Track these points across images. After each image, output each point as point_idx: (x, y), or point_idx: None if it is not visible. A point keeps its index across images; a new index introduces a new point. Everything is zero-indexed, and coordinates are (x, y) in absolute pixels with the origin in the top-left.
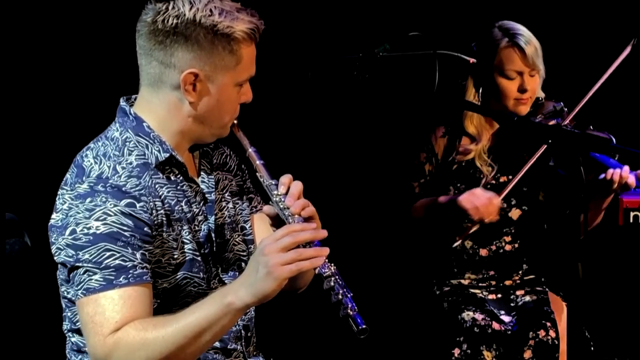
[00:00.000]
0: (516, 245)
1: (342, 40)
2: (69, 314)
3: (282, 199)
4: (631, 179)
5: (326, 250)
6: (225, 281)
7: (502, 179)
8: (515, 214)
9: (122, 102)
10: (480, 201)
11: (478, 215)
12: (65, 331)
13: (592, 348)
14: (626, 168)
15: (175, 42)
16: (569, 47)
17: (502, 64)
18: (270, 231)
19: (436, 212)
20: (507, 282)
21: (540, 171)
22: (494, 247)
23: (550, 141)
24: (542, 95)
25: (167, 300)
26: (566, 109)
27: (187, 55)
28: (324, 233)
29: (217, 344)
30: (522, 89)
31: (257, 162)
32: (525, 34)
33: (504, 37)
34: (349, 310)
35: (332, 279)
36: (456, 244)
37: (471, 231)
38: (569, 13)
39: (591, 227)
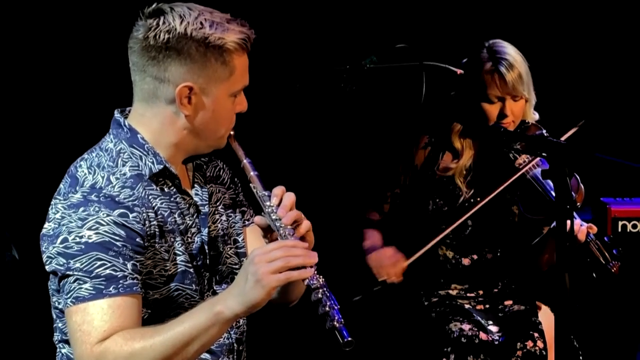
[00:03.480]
0: (497, 255)
1: (329, 52)
2: (60, 324)
3: (274, 210)
4: (582, 234)
5: (314, 255)
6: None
7: (478, 199)
8: (492, 225)
9: (117, 114)
10: (385, 262)
11: (380, 275)
12: (56, 342)
13: (580, 358)
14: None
15: (168, 56)
16: (562, 64)
17: (484, 87)
18: (263, 244)
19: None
20: (495, 292)
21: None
22: (475, 257)
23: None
24: (535, 117)
25: (159, 311)
26: (548, 136)
27: (181, 69)
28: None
29: (208, 357)
30: (501, 114)
31: (251, 172)
32: (510, 58)
33: (488, 61)
34: (335, 323)
35: (320, 290)
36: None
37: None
38: (561, 30)
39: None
